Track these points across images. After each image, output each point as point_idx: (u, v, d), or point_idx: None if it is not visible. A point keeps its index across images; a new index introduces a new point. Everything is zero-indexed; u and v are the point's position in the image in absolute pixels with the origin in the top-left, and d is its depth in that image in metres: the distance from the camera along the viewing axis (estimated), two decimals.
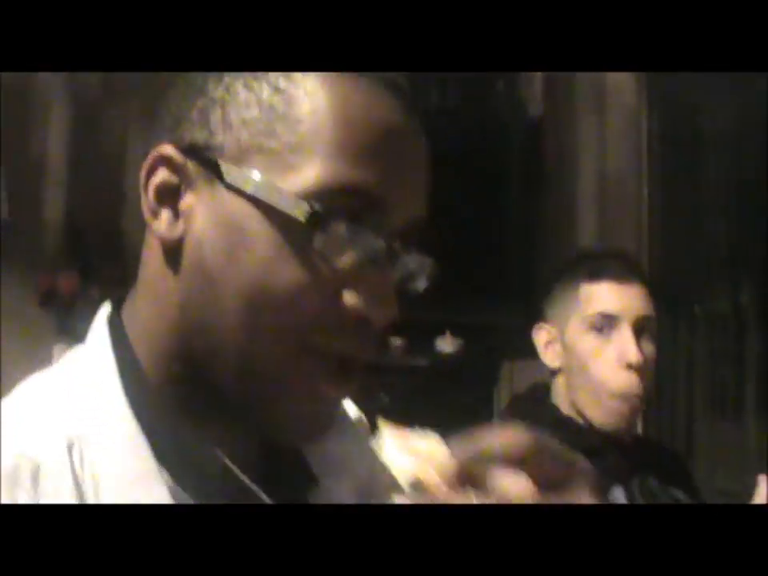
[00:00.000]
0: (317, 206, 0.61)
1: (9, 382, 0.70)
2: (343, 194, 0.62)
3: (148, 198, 0.66)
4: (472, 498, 0.54)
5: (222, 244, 0.63)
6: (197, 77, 0.66)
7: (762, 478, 1.40)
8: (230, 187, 0.63)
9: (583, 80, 3.91)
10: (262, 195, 0.62)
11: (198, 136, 0.65)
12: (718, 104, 3.89)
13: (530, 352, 1.66)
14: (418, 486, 0.55)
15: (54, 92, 3.39)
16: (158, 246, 0.67)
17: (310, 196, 0.62)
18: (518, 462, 0.55)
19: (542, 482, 0.56)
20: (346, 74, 0.64)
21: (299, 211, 0.61)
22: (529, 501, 0.54)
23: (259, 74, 0.64)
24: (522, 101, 4.44)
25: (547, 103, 4.31)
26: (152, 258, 0.68)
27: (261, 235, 0.62)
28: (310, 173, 0.62)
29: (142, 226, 0.68)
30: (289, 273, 0.62)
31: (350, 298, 0.64)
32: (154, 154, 0.66)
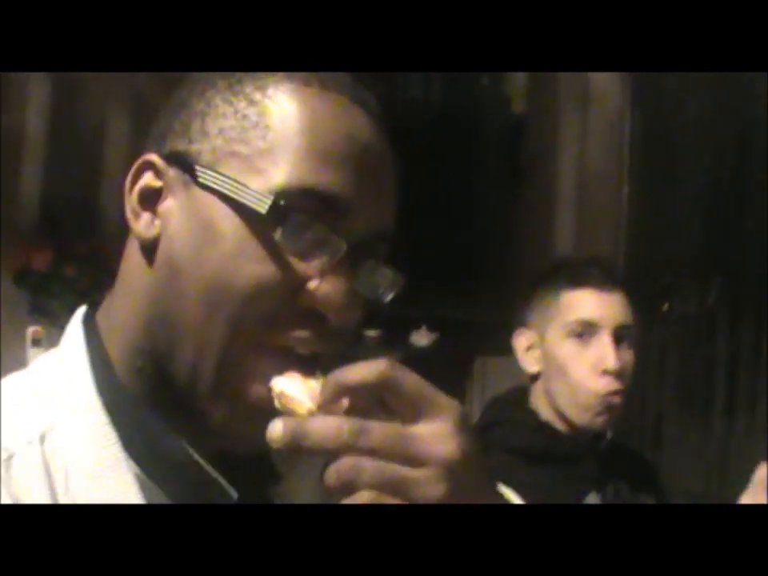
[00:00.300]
0: (280, 202, 0.65)
1: None
2: (306, 196, 0.66)
3: (131, 201, 0.70)
4: (332, 418, 0.58)
5: (191, 240, 0.67)
6: (182, 93, 0.71)
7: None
8: (203, 187, 0.67)
9: (567, 78, 3.92)
10: (229, 192, 0.66)
11: (179, 144, 0.69)
12: (700, 107, 3.92)
13: (505, 350, 1.67)
14: (281, 397, 0.61)
15: None
16: (136, 247, 0.71)
17: (275, 197, 0.65)
18: (376, 389, 0.58)
19: (401, 412, 0.59)
20: (316, 88, 0.68)
21: (262, 205, 0.65)
22: (389, 425, 0.57)
23: (236, 87, 0.69)
24: (506, 97, 4.45)
25: (531, 100, 4.32)
26: (130, 258, 0.72)
27: (227, 231, 0.66)
28: (276, 176, 0.66)
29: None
30: (250, 268, 0.65)
31: (309, 297, 0.66)
32: (140, 160, 0.71)
